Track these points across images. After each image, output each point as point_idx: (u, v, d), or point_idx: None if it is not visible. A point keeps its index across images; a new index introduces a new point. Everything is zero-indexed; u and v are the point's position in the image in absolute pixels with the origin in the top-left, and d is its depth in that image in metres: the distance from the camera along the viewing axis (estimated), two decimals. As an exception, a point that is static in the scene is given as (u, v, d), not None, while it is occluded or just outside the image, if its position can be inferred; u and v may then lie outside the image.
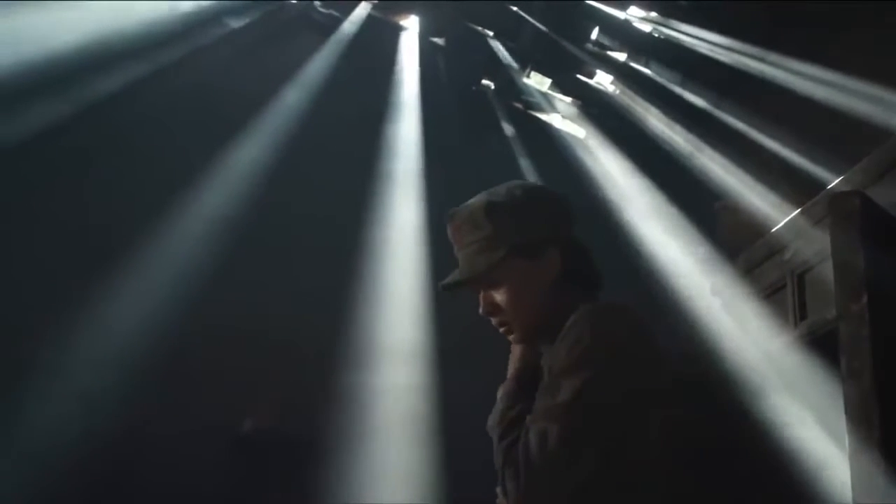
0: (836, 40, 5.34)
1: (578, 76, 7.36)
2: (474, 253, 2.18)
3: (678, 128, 6.61)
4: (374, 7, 7.11)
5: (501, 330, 2.22)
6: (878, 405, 3.19)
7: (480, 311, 2.22)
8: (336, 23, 6.95)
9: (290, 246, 6.02)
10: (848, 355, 3.38)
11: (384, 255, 5.68)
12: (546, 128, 7.33)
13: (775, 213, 5.16)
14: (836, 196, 3.83)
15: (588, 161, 6.71)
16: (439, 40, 7.33)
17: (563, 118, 7.36)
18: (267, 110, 6.17)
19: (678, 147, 6.53)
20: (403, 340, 5.38)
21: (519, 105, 7.52)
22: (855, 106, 4.85)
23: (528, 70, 7.35)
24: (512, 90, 7.46)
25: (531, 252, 2.16)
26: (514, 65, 7.28)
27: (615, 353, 1.94)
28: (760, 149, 5.75)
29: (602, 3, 6.87)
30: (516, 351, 2.23)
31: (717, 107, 6.47)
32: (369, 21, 7.04)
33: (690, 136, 6.52)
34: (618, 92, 7.19)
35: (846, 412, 3.32)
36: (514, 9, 7.10)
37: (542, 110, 7.41)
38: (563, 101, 7.41)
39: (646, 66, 7.07)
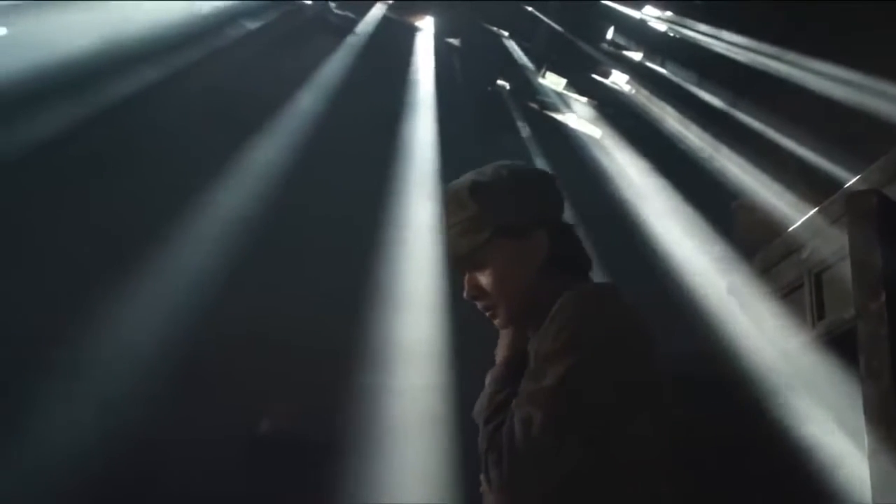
0: (853, 39, 5.32)
1: (594, 76, 7.35)
2: (458, 234, 2.14)
3: (694, 127, 6.60)
4: (390, 8, 7.11)
5: (487, 314, 2.17)
6: (898, 405, 3.18)
7: (465, 294, 2.18)
8: (351, 24, 6.96)
9: (306, 247, 6.03)
10: (867, 355, 3.37)
11: (400, 255, 5.68)
12: (562, 128, 7.32)
13: (792, 212, 5.15)
14: (854, 195, 3.82)
15: (604, 161, 6.71)
16: (455, 41, 7.33)
17: (578, 118, 7.35)
18: (283, 112, 6.19)
19: (694, 146, 6.51)
20: (420, 341, 5.38)
21: (534, 105, 7.51)
22: (872, 104, 4.83)
23: (543, 70, 7.35)
24: (527, 90, 7.45)
25: (517, 233, 2.11)
26: (530, 65, 7.27)
27: (602, 339, 1.90)
28: (777, 148, 5.74)
29: (617, 3, 6.86)
30: (505, 336, 2.17)
31: (734, 106, 6.45)
32: (384, 22, 7.04)
33: (706, 136, 6.51)
34: (633, 92, 7.18)
35: (865, 412, 3.31)
36: (530, 9, 7.09)
37: (557, 110, 7.40)
38: (579, 101, 7.40)
39: (661, 65, 7.06)
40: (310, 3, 7.13)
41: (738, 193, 5.88)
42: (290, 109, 6.21)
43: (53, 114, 5.58)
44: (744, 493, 4.43)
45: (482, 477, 1.93)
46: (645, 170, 6.46)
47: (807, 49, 5.65)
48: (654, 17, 6.90)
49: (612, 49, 7.18)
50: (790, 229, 4.97)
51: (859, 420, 3.36)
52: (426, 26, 7.20)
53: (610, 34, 7.13)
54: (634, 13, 6.91)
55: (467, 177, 2.20)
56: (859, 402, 3.38)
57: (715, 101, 6.60)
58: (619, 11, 6.89)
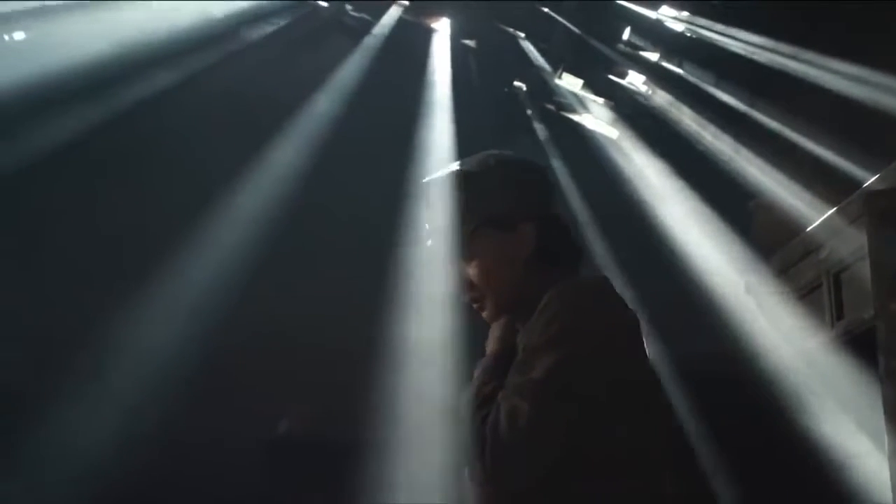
0: (871, 38, 5.31)
1: (610, 77, 7.34)
2: (443, 226, 2.13)
3: (711, 127, 6.58)
4: (405, 10, 7.11)
5: (475, 306, 2.16)
6: (918, 405, 3.17)
7: (451, 286, 2.17)
8: (367, 26, 6.97)
9: (323, 249, 6.05)
10: (886, 355, 3.36)
11: (418, 256, 5.69)
12: (578, 129, 7.31)
13: (810, 211, 5.13)
14: (872, 194, 3.82)
15: (621, 162, 6.70)
16: (471, 42, 7.33)
17: (595, 119, 7.34)
18: (299, 114, 6.20)
19: (712, 146, 6.50)
20: (439, 342, 5.39)
21: (551, 106, 7.50)
22: (890, 103, 4.81)
23: (559, 71, 7.33)
24: (544, 91, 7.44)
25: (504, 225, 2.09)
26: (546, 66, 7.26)
27: (591, 333, 1.88)
28: (795, 147, 5.72)
29: (633, 3, 6.85)
30: (494, 329, 2.14)
31: (751, 106, 6.43)
32: (400, 24, 7.04)
33: (724, 136, 6.49)
34: (650, 92, 7.17)
35: (885, 412, 3.30)
36: (546, 10, 7.08)
37: (574, 111, 7.39)
38: (596, 101, 7.39)
39: (678, 65, 7.04)
40: (325, 4, 7.14)
41: (755, 193, 5.87)
42: (306, 112, 6.22)
43: (71, 118, 5.60)
44: (763, 492, 4.42)
45: (466, 469, 1.92)
46: (662, 170, 6.45)
47: (824, 48, 5.63)
48: (671, 18, 6.89)
49: (628, 50, 7.16)
50: (808, 229, 4.97)
51: (879, 420, 3.35)
52: (442, 28, 7.20)
53: (626, 35, 7.12)
54: (651, 13, 6.89)
55: (453, 167, 2.19)
56: (879, 402, 3.37)
57: (732, 101, 6.58)
58: (635, 12, 6.87)
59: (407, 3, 7.09)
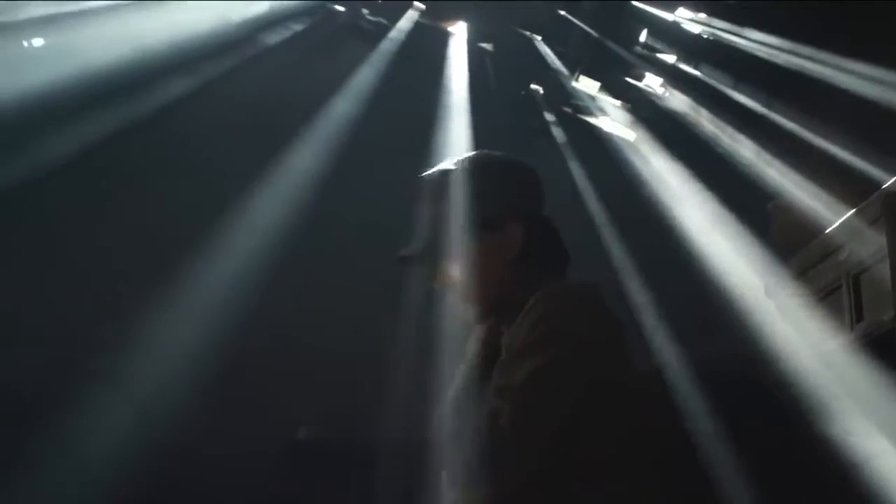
0: (889, 38, 5.29)
1: (628, 79, 7.33)
2: (432, 225, 2.13)
3: (729, 129, 6.56)
4: (422, 13, 7.12)
5: (460, 306, 2.16)
6: (939, 407, 3.16)
7: (436, 287, 2.17)
8: (384, 30, 6.98)
9: (340, 253, 6.06)
10: (906, 356, 3.35)
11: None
12: (596, 131, 7.30)
13: (829, 213, 5.11)
14: (891, 195, 3.80)
15: (639, 164, 6.69)
16: (487, 45, 7.33)
17: (612, 122, 7.33)
18: (316, 119, 6.21)
19: (730, 148, 6.48)
20: (460, 345, 5.40)
21: (568, 109, 7.50)
22: (909, 104, 4.79)
23: (576, 74, 7.33)
24: (561, 94, 7.44)
25: (491, 225, 2.09)
26: (563, 69, 7.26)
27: (575, 337, 1.87)
28: (813, 149, 5.70)
29: (650, 6, 6.83)
30: (478, 331, 2.14)
31: (769, 107, 6.42)
32: (417, 27, 7.05)
33: (742, 137, 6.47)
34: (668, 94, 7.15)
35: (905, 414, 3.29)
36: (562, 13, 7.08)
37: (591, 114, 7.39)
38: (613, 104, 7.38)
39: (695, 67, 7.02)
40: (342, 9, 7.15)
41: (774, 195, 5.85)
42: (323, 116, 6.23)
43: (89, 124, 5.63)
44: (782, 493, 4.41)
45: (444, 474, 1.93)
46: (680, 172, 6.43)
47: (841, 49, 5.61)
48: (688, 20, 6.87)
49: (645, 52, 7.15)
50: (827, 231, 4.94)
51: (900, 423, 3.34)
52: (459, 31, 7.20)
53: (643, 37, 7.11)
54: (667, 16, 6.88)
55: (441, 166, 2.20)
56: (899, 405, 3.36)
57: (750, 103, 6.56)
58: (652, 14, 6.86)
59: (423, 6, 7.10)
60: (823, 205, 5.25)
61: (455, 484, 1.90)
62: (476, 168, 2.18)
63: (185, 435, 5.25)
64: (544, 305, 1.94)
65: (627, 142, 7.16)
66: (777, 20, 6.19)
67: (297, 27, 6.90)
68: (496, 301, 2.09)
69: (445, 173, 2.19)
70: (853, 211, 4.70)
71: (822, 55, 5.78)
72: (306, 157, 6.01)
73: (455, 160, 2.24)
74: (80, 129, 5.58)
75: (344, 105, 6.31)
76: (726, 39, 6.54)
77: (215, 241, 5.63)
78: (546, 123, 7.30)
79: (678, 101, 7.00)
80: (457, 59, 6.99)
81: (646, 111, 7.24)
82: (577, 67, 7.31)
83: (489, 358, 2.02)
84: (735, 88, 6.73)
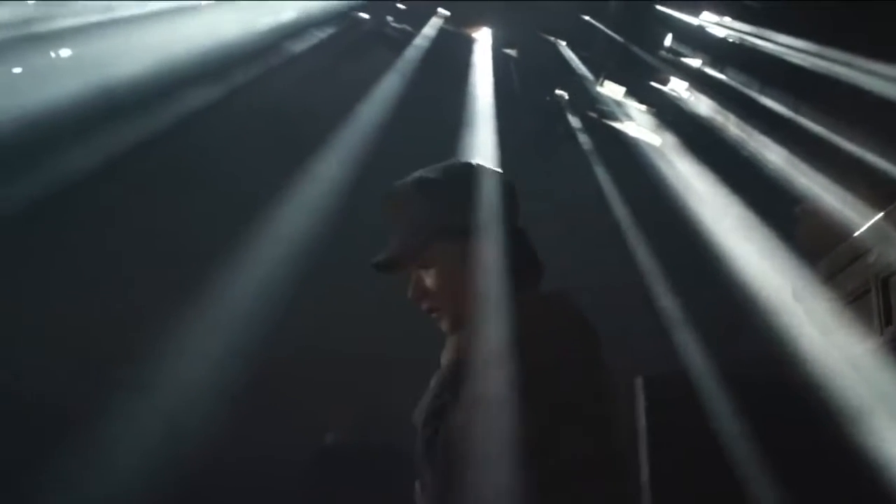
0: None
1: (653, 84, 7.30)
2: (404, 232, 2.12)
3: (755, 133, 6.53)
4: (446, 20, 7.12)
5: (432, 317, 2.15)
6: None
7: (409, 294, 2.16)
8: (409, 37, 6.99)
9: (367, 261, 6.06)
10: (935, 360, 3.33)
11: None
12: (621, 136, 7.29)
13: (857, 216, 5.08)
14: (920, 198, 3.78)
15: (665, 169, 6.67)
16: (512, 51, 7.33)
17: (638, 126, 7.31)
18: (341, 127, 6.22)
19: (756, 152, 6.45)
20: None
21: (593, 114, 7.49)
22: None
23: (601, 79, 7.31)
24: (586, 100, 7.42)
25: (465, 234, 2.06)
26: (588, 74, 7.24)
27: (546, 345, 1.88)
28: (840, 152, 5.67)
29: (675, 10, 6.81)
30: (451, 340, 2.12)
31: (795, 110, 6.39)
32: (441, 34, 7.05)
33: (768, 141, 6.44)
34: (693, 98, 7.13)
35: (936, 418, 3.27)
36: (587, 18, 7.07)
37: (616, 119, 7.37)
38: (638, 109, 7.36)
39: (721, 71, 7.00)
40: (366, 17, 7.17)
41: (801, 198, 5.82)
42: (348, 124, 6.25)
43: (115, 134, 5.66)
44: (808, 495, 4.38)
45: (417, 483, 1.93)
46: (706, 176, 6.41)
47: (867, 51, 5.58)
48: (712, 23, 6.85)
49: (670, 56, 7.13)
50: (856, 234, 4.92)
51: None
52: (483, 37, 7.21)
53: (668, 41, 7.09)
54: (692, 19, 6.86)
55: (415, 174, 2.18)
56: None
57: (776, 106, 6.53)
58: (676, 18, 6.84)
59: (447, 12, 7.11)
60: (851, 208, 5.22)
61: (427, 494, 1.91)
62: (449, 177, 2.17)
63: (212, 443, 5.27)
64: (514, 316, 1.94)
65: (653, 146, 7.13)
66: (802, 22, 6.16)
67: (323, 35, 6.92)
68: (468, 313, 2.06)
69: (420, 181, 2.18)
70: (881, 214, 4.67)
71: (849, 57, 5.75)
72: (332, 164, 6.02)
73: (429, 169, 2.22)
74: (107, 139, 5.61)
75: (369, 112, 6.32)
76: (751, 43, 6.52)
77: (241, 250, 5.65)
78: (571, 129, 7.29)
79: (704, 105, 6.97)
80: (481, 65, 6.99)
81: (671, 115, 7.21)
82: (602, 72, 7.29)
83: (461, 368, 1.99)
84: (761, 92, 6.70)
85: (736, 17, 6.60)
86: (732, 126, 6.69)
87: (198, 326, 5.41)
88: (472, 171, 2.22)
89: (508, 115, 6.57)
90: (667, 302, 5.90)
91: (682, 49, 7.10)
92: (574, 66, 7.23)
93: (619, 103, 7.35)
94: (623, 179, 6.71)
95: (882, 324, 4.50)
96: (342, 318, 5.98)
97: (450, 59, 6.94)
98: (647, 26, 7.06)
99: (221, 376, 5.21)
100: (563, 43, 7.31)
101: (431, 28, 7.03)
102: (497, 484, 1.75)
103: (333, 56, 6.91)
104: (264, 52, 6.52)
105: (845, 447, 4.19)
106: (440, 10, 7.07)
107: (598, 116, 7.47)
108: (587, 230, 6.50)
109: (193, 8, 6.20)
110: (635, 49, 7.01)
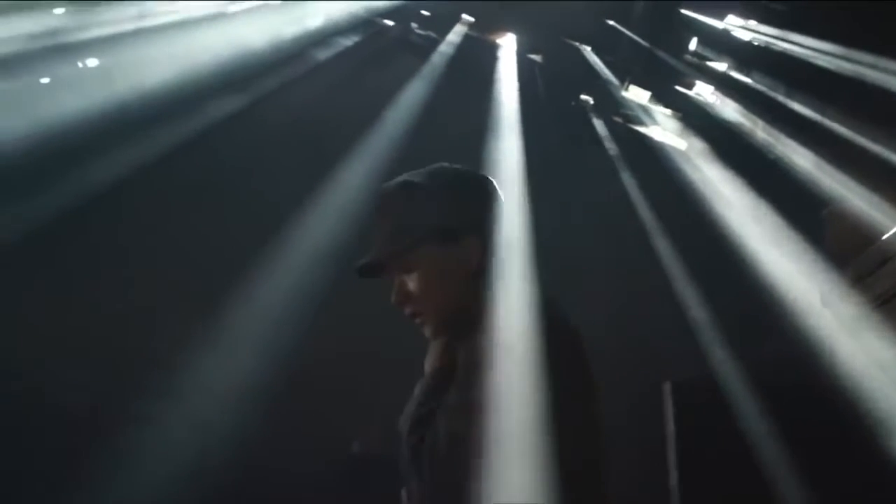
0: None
1: (678, 88, 7.29)
2: (388, 235, 2.10)
3: (782, 136, 6.51)
4: (471, 26, 7.14)
5: (416, 321, 2.13)
6: None
7: (392, 299, 2.14)
8: (434, 44, 7.01)
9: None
10: (965, 363, 3.31)
11: (491, 272, 5.68)
12: (647, 141, 7.28)
13: (885, 219, 5.06)
14: (949, 201, 3.76)
15: (691, 173, 6.65)
16: (536, 57, 7.33)
17: (663, 131, 7.30)
18: (368, 134, 6.24)
19: (782, 156, 6.43)
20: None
21: (619, 119, 7.48)
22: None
23: (626, 84, 7.31)
24: (611, 104, 7.42)
25: (449, 238, 2.06)
26: (613, 79, 7.24)
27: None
28: (868, 154, 5.65)
29: (700, 14, 6.80)
30: (434, 346, 2.11)
31: (822, 113, 6.36)
32: (466, 41, 7.07)
33: (794, 144, 6.42)
34: (719, 102, 7.11)
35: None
36: (611, 23, 7.07)
37: (642, 123, 7.36)
38: (664, 113, 7.35)
39: (747, 75, 6.97)
40: (392, 24, 7.20)
41: (828, 202, 5.80)
42: (374, 130, 6.26)
43: (141, 143, 5.70)
44: (835, 497, 4.37)
45: (403, 491, 1.95)
46: (733, 180, 6.39)
47: (892, 52, 5.56)
48: (738, 27, 6.83)
49: (695, 60, 7.11)
50: (884, 237, 4.90)
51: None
52: (507, 43, 7.22)
53: (693, 45, 7.07)
54: (717, 23, 6.84)
55: (401, 178, 2.16)
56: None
57: (802, 109, 6.51)
58: (701, 22, 6.82)
59: (472, 19, 7.13)
60: (879, 210, 5.20)
61: (413, 502, 1.91)
62: (433, 181, 2.16)
63: (243, 451, 5.29)
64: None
65: (679, 150, 7.12)
66: (828, 25, 6.14)
67: (348, 42, 6.95)
68: (453, 316, 2.07)
69: (404, 185, 2.16)
70: (910, 217, 4.66)
71: (875, 59, 5.73)
72: (358, 171, 6.03)
73: (415, 173, 2.20)
74: (132, 149, 5.65)
75: (394, 119, 6.34)
76: (777, 46, 6.50)
77: (269, 258, 5.67)
78: (596, 133, 7.29)
79: (729, 109, 6.95)
80: (506, 71, 7.00)
81: (697, 120, 7.20)
82: (627, 77, 7.28)
83: (446, 374, 2.01)
84: (787, 95, 6.68)
85: (761, 20, 6.58)
86: (758, 129, 6.67)
87: (226, 334, 5.44)
88: (457, 175, 2.22)
89: (533, 120, 6.57)
90: (694, 306, 5.89)
91: (707, 53, 7.09)
92: (599, 70, 7.23)
93: (644, 108, 7.34)
94: (649, 184, 6.70)
95: (912, 327, 4.48)
96: (369, 325, 5.98)
97: (475, 65, 6.96)
98: (672, 30, 7.05)
99: (250, 383, 5.22)
100: (588, 48, 7.31)
101: (456, 35, 7.05)
102: (485, 489, 1.75)
103: (359, 63, 6.94)
104: (290, 60, 6.56)
105: (873, 450, 4.17)
106: (464, 16, 7.10)
107: (624, 121, 7.47)
108: (613, 235, 6.49)
109: (219, 17, 6.25)
110: (660, 53, 7.00)
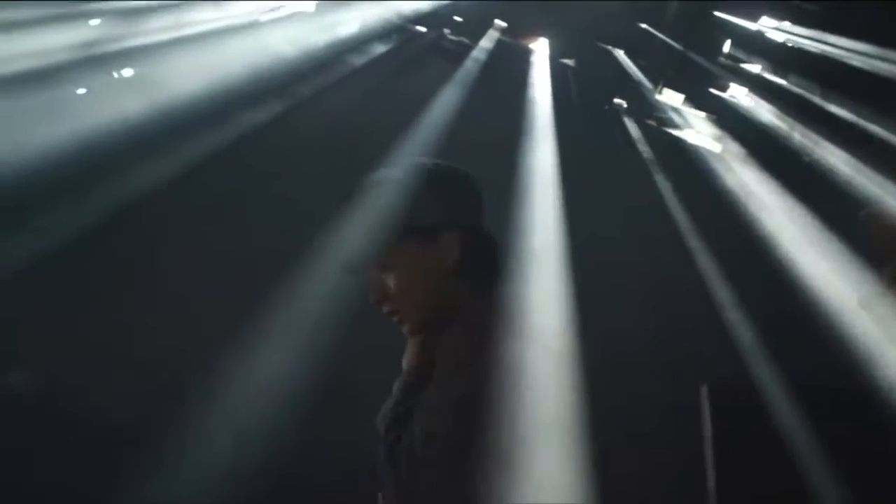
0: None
1: (712, 90, 7.27)
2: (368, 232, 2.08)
3: (817, 137, 6.48)
4: (503, 31, 7.15)
5: (394, 320, 2.12)
6: None
7: (370, 297, 2.13)
8: (467, 50, 7.02)
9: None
10: None
11: (522, 278, 5.68)
12: (681, 144, 7.26)
13: (923, 220, 5.03)
14: None
15: (726, 175, 6.63)
16: (569, 61, 7.33)
17: (697, 134, 7.28)
18: (401, 141, 6.26)
19: (818, 157, 6.40)
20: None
21: (652, 122, 7.47)
22: None
23: (660, 87, 7.29)
24: (645, 108, 7.41)
25: (427, 234, 2.05)
26: (646, 82, 7.23)
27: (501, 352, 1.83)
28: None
29: (733, 16, 6.78)
30: (413, 345, 2.11)
31: (858, 114, 6.32)
32: (499, 46, 7.08)
33: (831, 146, 6.39)
34: (754, 104, 7.08)
35: None
36: (644, 26, 7.06)
37: (676, 127, 7.34)
38: (698, 116, 7.33)
39: (781, 76, 6.94)
40: (424, 30, 7.22)
41: (866, 203, 5.76)
42: (408, 138, 6.28)
43: (179, 151, 5.74)
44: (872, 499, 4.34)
45: (380, 495, 1.93)
46: (768, 183, 6.37)
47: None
48: (772, 28, 6.80)
49: (729, 62, 7.09)
50: (922, 238, 4.87)
51: None
52: (540, 48, 7.22)
53: (727, 47, 7.05)
54: (751, 25, 6.82)
55: (377, 174, 2.21)
56: None
57: (838, 111, 6.47)
58: (735, 24, 6.81)
59: (504, 24, 7.14)
60: (917, 211, 5.17)
61: (389, 502, 1.91)
62: (412, 176, 2.15)
63: (279, 458, 5.31)
64: (476, 319, 1.93)
65: (713, 153, 7.09)
66: (862, 24, 6.11)
67: (381, 49, 6.98)
68: (430, 315, 2.06)
69: (380, 181, 2.19)
70: (948, 217, 4.62)
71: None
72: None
73: (393, 167, 2.24)
74: (168, 157, 5.69)
75: (428, 125, 6.35)
76: (812, 47, 6.47)
77: (306, 265, 5.70)
78: (630, 137, 7.27)
79: (764, 111, 6.92)
80: (539, 75, 7.00)
81: (731, 122, 7.17)
82: (661, 80, 7.27)
83: (423, 373, 2.00)
84: (822, 96, 6.64)
85: (795, 21, 6.55)
86: (794, 131, 6.64)
87: (263, 340, 5.46)
88: (436, 170, 2.21)
89: (567, 124, 6.57)
90: (731, 308, 5.87)
91: (741, 55, 7.06)
92: (632, 74, 7.22)
93: (678, 111, 7.33)
94: (683, 187, 6.68)
95: (950, 329, 4.45)
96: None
97: (508, 70, 6.97)
98: (706, 33, 7.03)
99: (286, 390, 5.24)
100: (621, 52, 7.31)
101: (489, 40, 7.07)
102: (460, 486, 1.73)
103: (392, 70, 6.96)
104: (323, 68, 6.59)
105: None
106: (497, 22, 7.11)
107: (658, 124, 7.45)
108: (648, 237, 6.48)
109: (253, 26, 6.30)
110: (694, 56, 6.98)
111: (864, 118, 6.19)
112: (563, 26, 7.15)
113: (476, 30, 7.11)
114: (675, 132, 7.37)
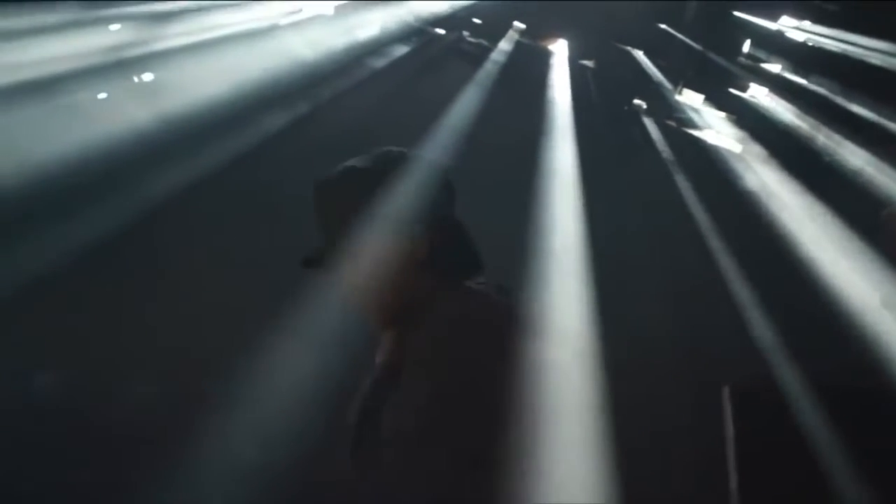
0: None
1: (732, 90, 7.25)
2: (335, 227, 2.04)
3: (838, 137, 6.46)
4: (522, 34, 7.16)
5: (362, 315, 2.08)
6: None
7: (338, 294, 2.08)
8: (486, 52, 7.03)
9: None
10: None
11: (543, 279, 5.70)
12: (701, 144, 7.25)
13: (945, 219, 5.01)
14: None
15: (746, 175, 6.62)
16: (589, 63, 7.34)
17: (717, 134, 7.27)
18: (422, 143, 6.27)
19: (839, 157, 6.38)
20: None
21: (672, 123, 7.46)
22: None
23: (679, 87, 7.29)
24: (664, 108, 7.40)
25: (395, 227, 1.99)
26: (666, 83, 7.23)
27: (478, 343, 1.82)
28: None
29: (752, 16, 6.77)
30: (385, 340, 2.06)
31: (878, 113, 6.30)
32: (518, 48, 7.09)
33: (850, 145, 6.37)
34: (773, 104, 7.06)
35: None
36: (663, 26, 7.06)
37: (696, 127, 7.33)
38: (718, 116, 7.31)
39: (801, 76, 6.93)
40: (443, 32, 7.23)
41: (886, 203, 5.74)
42: (428, 140, 6.29)
43: (201, 154, 5.76)
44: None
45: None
46: (789, 183, 6.35)
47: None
48: (791, 28, 6.79)
49: (749, 62, 7.08)
50: (945, 237, 4.85)
51: None
52: (559, 49, 7.23)
53: (746, 47, 7.04)
54: (771, 24, 6.80)
55: (344, 164, 2.12)
56: None
57: (858, 110, 6.45)
58: (755, 24, 6.79)
59: (523, 26, 7.14)
60: (938, 210, 5.15)
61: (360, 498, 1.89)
62: (380, 167, 2.10)
63: (303, 464, 5.32)
64: (446, 313, 1.91)
65: (733, 153, 7.08)
66: (882, 23, 6.09)
67: (401, 52, 7.00)
68: (400, 308, 2.01)
69: (348, 172, 2.11)
70: (970, 216, 4.61)
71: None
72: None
73: (359, 158, 2.16)
74: (190, 160, 5.71)
75: (448, 127, 6.36)
76: (832, 46, 6.45)
77: (325, 278, 5.70)
78: (650, 137, 7.27)
79: (785, 111, 6.90)
80: (559, 77, 7.01)
81: (751, 122, 7.15)
82: (680, 80, 7.26)
83: (393, 367, 1.95)
84: (843, 95, 6.62)
85: (815, 20, 6.53)
86: (814, 131, 6.63)
87: (289, 344, 5.47)
88: (404, 161, 2.14)
89: (587, 125, 6.57)
90: (752, 308, 5.86)
91: (760, 55, 7.05)
92: (651, 74, 7.22)
93: (698, 111, 7.31)
94: (704, 187, 6.67)
95: (973, 329, 4.43)
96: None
97: (527, 72, 6.97)
98: (725, 33, 7.02)
99: (312, 394, 5.24)
100: (640, 52, 7.30)
101: (508, 42, 7.07)
102: (431, 482, 1.73)
103: (411, 72, 6.98)
104: (342, 71, 6.61)
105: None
106: (516, 23, 7.12)
107: (677, 125, 7.44)
108: (668, 237, 6.47)
109: (273, 30, 6.32)
110: (713, 56, 6.97)
111: (885, 117, 6.17)
112: (581, 27, 7.15)
113: (495, 32, 7.12)
114: (694, 132, 7.36)
